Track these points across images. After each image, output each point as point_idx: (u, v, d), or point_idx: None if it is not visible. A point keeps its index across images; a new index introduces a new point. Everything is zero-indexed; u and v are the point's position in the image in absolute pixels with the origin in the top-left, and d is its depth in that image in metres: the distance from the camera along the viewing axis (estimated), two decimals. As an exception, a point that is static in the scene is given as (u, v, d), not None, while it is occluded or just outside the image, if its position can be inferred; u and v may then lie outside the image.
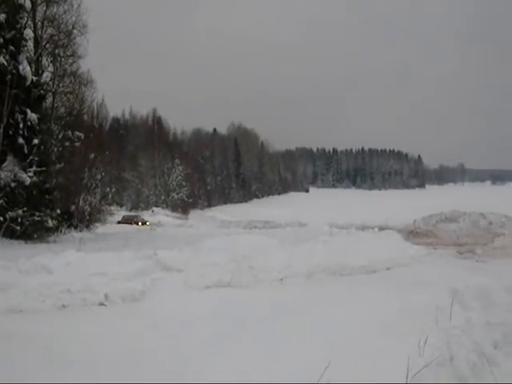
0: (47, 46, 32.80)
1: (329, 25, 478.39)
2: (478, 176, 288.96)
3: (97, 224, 35.92)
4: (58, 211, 29.36)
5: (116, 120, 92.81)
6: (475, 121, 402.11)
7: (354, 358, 6.30)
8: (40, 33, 32.18)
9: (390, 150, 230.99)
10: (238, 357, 6.58)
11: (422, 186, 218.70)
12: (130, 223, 50.90)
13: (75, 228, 33.50)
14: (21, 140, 25.94)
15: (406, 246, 19.75)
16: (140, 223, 51.99)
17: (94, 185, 35.68)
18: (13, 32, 26.58)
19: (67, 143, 32.53)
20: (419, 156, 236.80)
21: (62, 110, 33.85)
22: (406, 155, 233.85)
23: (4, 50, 25.67)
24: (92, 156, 35.07)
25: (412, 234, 27.81)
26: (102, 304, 10.37)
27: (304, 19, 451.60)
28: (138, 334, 7.82)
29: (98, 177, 36.06)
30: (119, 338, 7.65)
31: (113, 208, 42.29)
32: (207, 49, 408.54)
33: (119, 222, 51.37)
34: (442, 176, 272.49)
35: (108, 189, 37.71)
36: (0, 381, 5.45)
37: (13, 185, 25.00)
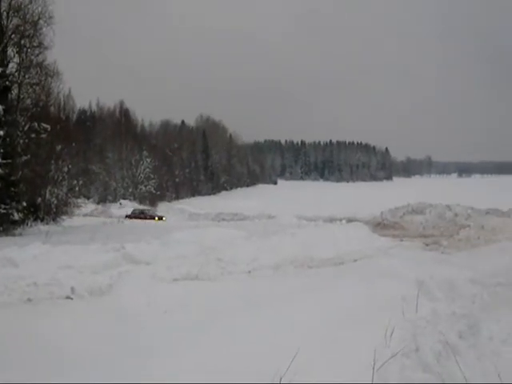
0: (13, 36, 32.26)
1: (302, 19, 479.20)
2: (445, 168, 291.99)
3: (64, 217, 35.54)
4: (24, 204, 29.01)
5: (83, 112, 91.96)
6: (442, 114, 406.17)
7: (321, 349, 6.34)
8: (5, 23, 31.65)
9: (357, 143, 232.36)
10: (207, 348, 6.59)
11: (389, 178, 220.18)
12: (142, 218, 45.58)
13: (41, 221, 33.11)
14: (-15, 132, 25.59)
15: (373, 237, 19.92)
16: (156, 218, 46.58)
17: (60, 177, 35.27)
18: (-23, 22, 26.15)
19: (33, 135, 32.04)
20: (386, 149, 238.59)
21: (28, 101, 33.32)
22: (374, 148, 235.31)
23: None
24: (59, 148, 34.63)
25: (379, 226, 28.03)
26: (68, 297, 10.27)
27: (278, 12, 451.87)
28: (105, 327, 7.77)
29: (65, 169, 35.63)
30: (86, 330, 7.60)
31: (80, 201, 41.75)
32: (176, 40, 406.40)
33: (128, 217, 46.91)
34: (409, 168, 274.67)
35: (75, 181, 37.27)
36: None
37: (-23, 177, 24.66)
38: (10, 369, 5.92)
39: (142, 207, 55.83)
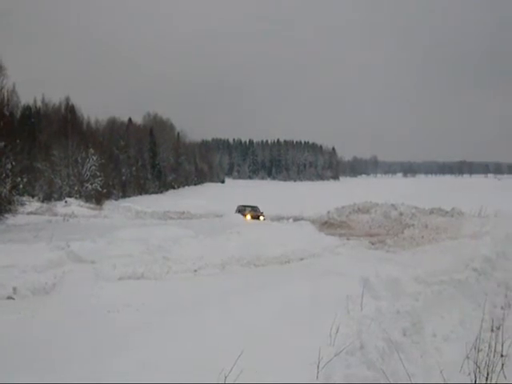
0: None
1: (251, 17, 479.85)
2: (390, 168, 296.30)
3: (7, 215, 34.76)
4: (-35, 202, 28.32)
5: (28, 108, 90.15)
6: (387, 114, 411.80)
7: (267, 348, 6.33)
8: None
9: (304, 142, 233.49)
10: (151, 347, 6.53)
11: (336, 177, 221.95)
12: (244, 215, 36.58)
13: (-17, 219, 32.39)
14: None
15: (320, 236, 20.03)
16: (248, 216, 35.87)
17: (3, 174, 34.45)
18: None
19: (-25, 131, 31.32)
20: (333, 148, 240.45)
21: (-30, 96, 32.60)
22: (321, 147, 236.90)
23: None
24: (2, 145, 33.91)
25: (326, 224, 28.26)
26: (10, 297, 10.07)
27: (224, 10, 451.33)
28: (47, 327, 7.63)
29: (9, 166, 34.81)
30: (27, 331, 7.45)
31: (24, 198, 40.88)
32: (122, 37, 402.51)
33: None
34: (356, 168, 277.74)
35: (19, 179, 36.45)
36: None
37: None
38: None
39: (245, 204, 42.23)
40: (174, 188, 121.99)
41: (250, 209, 39.18)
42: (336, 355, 5.40)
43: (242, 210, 39.33)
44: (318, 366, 5.21)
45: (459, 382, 5.55)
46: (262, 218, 37.14)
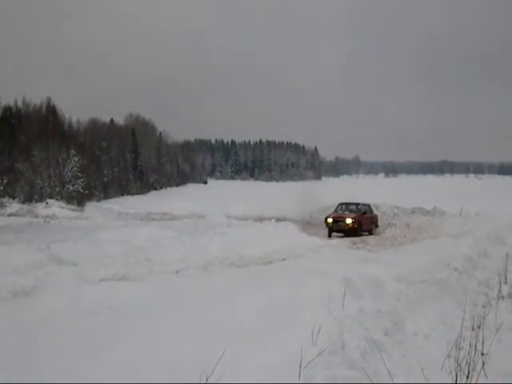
0: None
1: (226, 16, 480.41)
2: (372, 168, 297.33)
3: (-13, 217, 34.64)
4: None
5: (8, 109, 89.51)
6: (369, 114, 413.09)
7: (249, 349, 6.35)
8: None
9: (287, 143, 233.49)
10: (132, 349, 6.52)
11: (318, 177, 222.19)
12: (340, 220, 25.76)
13: (-36, 221, 32.21)
14: None
15: (302, 237, 20.12)
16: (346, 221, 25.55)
17: (-16, 176, 34.33)
18: None
19: (-45, 132, 31.09)
20: (316, 148, 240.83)
21: (-50, 97, 32.30)
22: (303, 147, 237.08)
23: None
24: (-18, 146, 33.75)
25: (308, 225, 28.33)
26: (-10, 299, 10.00)
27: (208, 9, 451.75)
28: (28, 329, 7.59)
29: (-11, 167, 34.71)
30: (6, 333, 7.41)
31: (4, 200, 40.73)
32: (103, 36, 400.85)
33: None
34: (338, 168, 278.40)
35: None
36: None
37: None
38: None
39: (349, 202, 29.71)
40: (156, 189, 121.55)
41: (354, 208, 27.73)
42: (318, 355, 5.41)
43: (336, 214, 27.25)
44: (300, 366, 5.22)
45: (441, 381, 5.58)
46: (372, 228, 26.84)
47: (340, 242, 20.87)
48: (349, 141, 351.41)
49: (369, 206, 29.45)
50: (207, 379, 4.74)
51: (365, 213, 27.38)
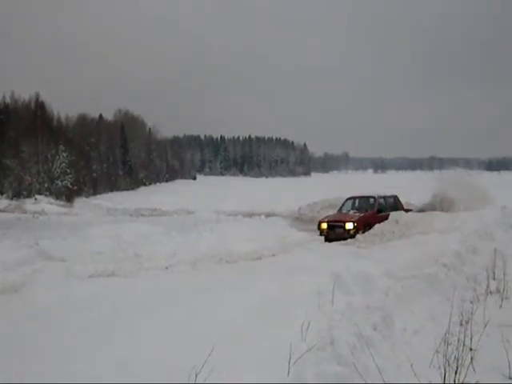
0: None
1: (224, 11, 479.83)
2: (361, 164, 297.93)
3: (-25, 213, 34.49)
4: None
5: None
6: (358, 110, 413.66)
7: (237, 345, 6.35)
8: None
9: (276, 139, 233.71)
10: (120, 345, 6.50)
11: (307, 173, 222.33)
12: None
13: (-49, 217, 32.09)
14: None
15: (291, 232, 20.12)
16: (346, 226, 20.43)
17: (-29, 172, 34.18)
18: None
19: None
20: (305, 144, 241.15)
21: None
22: (293, 143, 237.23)
23: None
24: (-31, 141, 33.58)
25: (297, 220, 28.35)
26: (-23, 296, 9.98)
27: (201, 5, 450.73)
28: (16, 325, 7.56)
29: (-23, 163, 34.56)
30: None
31: (-8, 196, 40.63)
32: (92, 32, 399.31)
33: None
34: (327, 164, 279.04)
35: (-13, 176, 36.19)
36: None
37: None
38: None
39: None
40: (145, 185, 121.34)
41: (367, 204, 22.93)
42: (308, 351, 5.42)
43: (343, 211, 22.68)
44: (289, 362, 5.23)
45: (429, 376, 5.60)
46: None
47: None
48: (338, 137, 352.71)
49: (395, 197, 24.10)
50: (196, 376, 4.74)
51: (380, 210, 21.93)
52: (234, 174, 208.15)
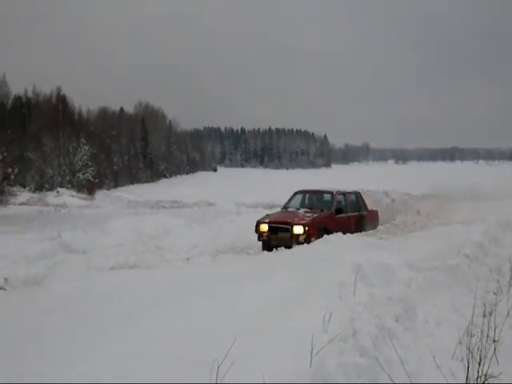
0: None
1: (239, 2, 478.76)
2: (382, 155, 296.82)
3: (-2, 206, 34.78)
4: (-43, 192, 28.31)
5: (18, 98, 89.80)
6: (379, 101, 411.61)
7: (259, 336, 6.34)
8: None
9: (296, 130, 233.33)
10: (142, 337, 6.52)
11: (328, 165, 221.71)
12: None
13: (-25, 210, 32.40)
14: None
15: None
16: (294, 230, 15.89)
17: (-6, 165, 34.45)
18: None
19: (-34, 122, 31.16)
20: (325, 136, 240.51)
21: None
22: (313, 135, 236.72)
23: None
24: (-7, 135, 33.83)
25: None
26: (1, 288, 10.10)
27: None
28: (38, 318, 7.61)
29: (0, 157, 34.80)
30: (18, 322, 7.43)
31: (15, 189, 40.89)
32: (113, 27, 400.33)
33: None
34: (348, 155, 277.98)
35: (10, 169, 36.42)
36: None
37: None
38: None
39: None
40: (165, 177, 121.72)
41: (322, 202, 18.41)
42: (329, 342, 5.40)
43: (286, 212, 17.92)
44: (311, 353, 5.22)
45: (452, 369, 5.56)
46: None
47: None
48: (358, 128, 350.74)
49: (356, 194, 20.02)
50: (219, 367, 4.74)
51: (340, 211, 17.64)
52: (254, 166, 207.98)
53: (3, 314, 8.04)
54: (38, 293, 9.56)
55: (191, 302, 8.18)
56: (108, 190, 77.34)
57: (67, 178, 70.76)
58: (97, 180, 73.57)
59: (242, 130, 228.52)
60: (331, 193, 18.27)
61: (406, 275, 9.49)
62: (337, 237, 14.68)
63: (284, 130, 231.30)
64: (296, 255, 12.74)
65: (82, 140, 72.82)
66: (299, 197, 19.00)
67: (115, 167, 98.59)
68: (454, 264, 10.23)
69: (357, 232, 17.30)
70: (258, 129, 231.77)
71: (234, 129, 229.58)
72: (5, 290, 10.06)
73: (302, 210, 17.35)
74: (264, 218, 16.75)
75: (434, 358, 5.51)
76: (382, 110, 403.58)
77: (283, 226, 15.93)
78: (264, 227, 16.12)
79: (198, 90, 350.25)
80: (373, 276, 9.28)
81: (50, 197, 51.52)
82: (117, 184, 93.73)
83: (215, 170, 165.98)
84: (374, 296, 7.69)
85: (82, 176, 71.08)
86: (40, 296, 9.23)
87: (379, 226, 19.81)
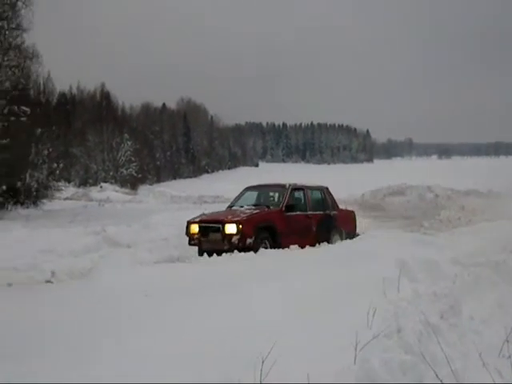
0: (-10, 18, 31.78)
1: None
2: (425, 150, 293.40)
3: (44, 200, 35.34)
4: (4, 188, 28.81)
5: (63, 95, 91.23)
6: (423, 95, 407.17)
7: (303, 332, 6.32)
8: (-18, 5, 31.17)
9: (338, 125, 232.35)
10: (188, 330, 6.54)
11: (370, 160, 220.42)
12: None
13: (22, 205, 32.93)
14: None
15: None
16: (227, 229, 13.28)
17: (40, 160, 34.95)
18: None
19: (13, 118, 31.64)
20: (368, 130, 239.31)
21: (7, 84, 32.82)
22: (355, 130, 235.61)
23: None
24: (39, 131, 34.34)
25: (361, 207, 28.13)
26: (48, 281, 10.25)
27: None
28: (85, 312, 7.70)
29: (45, 152, 35.32)
30: (66, 315, 7.53)
31: (60, 184, 41.54)
32: (155, 24, 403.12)
33: None
34: (390, 150, 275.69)
35: (55, 165, 36.96)
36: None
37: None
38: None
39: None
40: (207, 172, 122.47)
41: (272, 198, 15.98)
42: (374, 338, 5.36)
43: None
44: (355, 349, 5.18)
45: (499, 367, 5.46)
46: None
47: (393, 225, 20.68)
48: (401, 122, 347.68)
49: (322, 190, 17.35)
50: (263, 362, 4.74)
51: (291, 207, 14.63)
52: (295, 161, 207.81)
53: (52, 307, 8.14)
54: (84, 286, 9.68)
55: (234, 296, 8.13)
56: (151, 185, 78.07)
57: (111, 173, 71.68)
58: (140, 175, 74.39)
59: (284, 124, 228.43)
60: (283, 186, 15.42)
61: (451, 271, 9.38)
62: (381, 232, 14.58)
63: (326, 124, 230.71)
64: (340, 250, 12.68)
65: (126, 135, 73.71)
66: (249, 193, 16.31)
67: (158, 162, 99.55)
68: (499, 260, 10.08)
69: (321, 235, 15.16)
70: (300, 124, 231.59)
71: (276, 124, 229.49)
72: (52, 282, 10.22)
73: (247, 207, 14.66)
74: (196, 217, 14.31)
75: (479, 355, 5.44)
76: (426, 104, 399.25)
77: (214, 225, 13.42)
78: (194, 228, 13.66)
79: (240, 86, 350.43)
80: (417, 271, 9.20)
81: (94, 192, 52.23)
82: (159, 179, 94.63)
83: (257, 166, 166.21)
84: (419, 292, 7.62)
85: (125, 171, 71.92)
86: (87, 289, 9.33)
87: (423, 222, 19.63)
